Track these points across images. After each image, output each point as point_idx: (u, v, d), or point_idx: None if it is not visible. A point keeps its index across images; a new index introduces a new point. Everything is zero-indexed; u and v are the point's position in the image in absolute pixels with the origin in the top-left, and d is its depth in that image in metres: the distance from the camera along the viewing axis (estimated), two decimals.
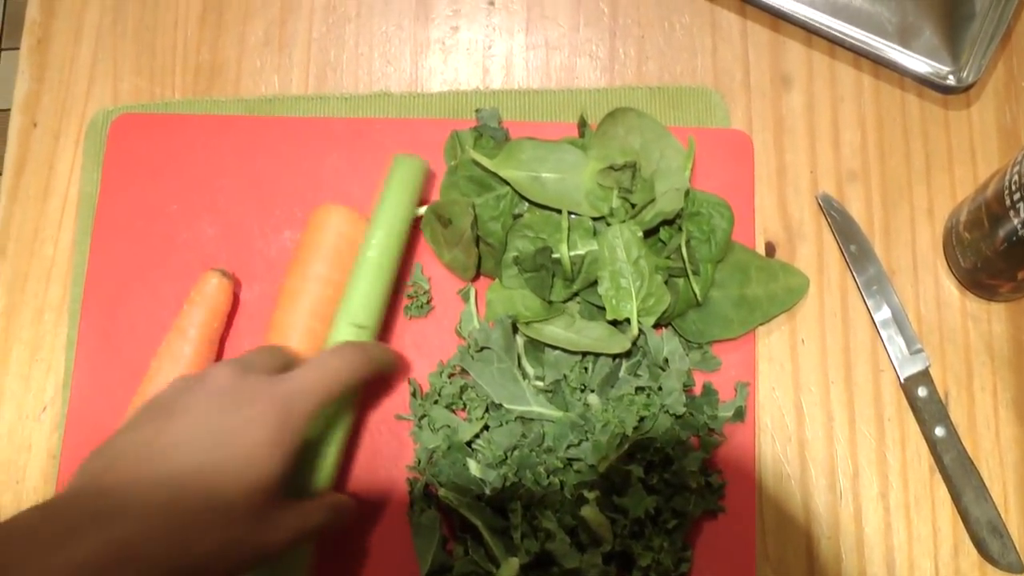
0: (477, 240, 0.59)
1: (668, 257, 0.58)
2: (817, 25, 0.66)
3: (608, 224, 0.58)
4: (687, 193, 0.59)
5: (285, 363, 0.52)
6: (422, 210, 0.60)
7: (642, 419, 0.56)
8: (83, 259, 0.63)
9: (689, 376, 0.58)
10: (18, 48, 0.69)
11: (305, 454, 0.52)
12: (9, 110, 0.67)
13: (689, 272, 0.58)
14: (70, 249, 0.64)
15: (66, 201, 0.65)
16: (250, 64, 0.67)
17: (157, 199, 0.63)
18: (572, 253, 0.58)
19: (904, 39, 0.66)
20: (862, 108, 0.66)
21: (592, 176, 0.58)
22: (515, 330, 0.58)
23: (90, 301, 0.62)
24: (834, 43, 0.66)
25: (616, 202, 0.58)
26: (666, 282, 0.58)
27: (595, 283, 0.58)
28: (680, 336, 0.60)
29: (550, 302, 0.58)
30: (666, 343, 0.58)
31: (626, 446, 0.55)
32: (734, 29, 0.67)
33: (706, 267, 0.59)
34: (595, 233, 0.58)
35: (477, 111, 0.62)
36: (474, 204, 0.58)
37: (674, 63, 0.67)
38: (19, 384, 0.62)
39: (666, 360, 0.57)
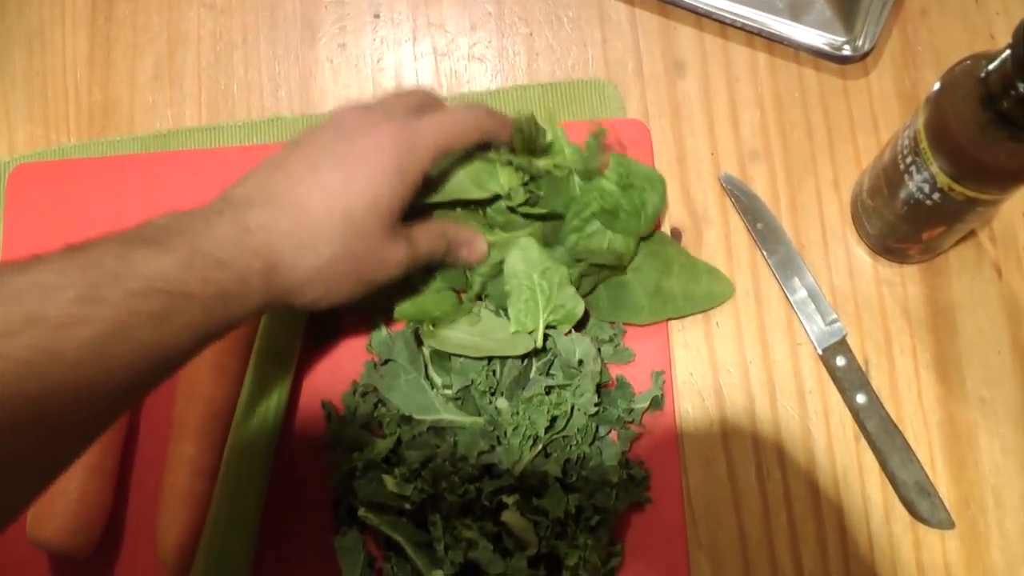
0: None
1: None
2: (706, 8, 0.66)
3: (507, 204, 0.58)
4: (617, 161, 0.59)
5: (415, 105, 0.54)
6: None
7: (554, 419, 0.56)
8: None
9: (604, 374, 0.59)
10: None
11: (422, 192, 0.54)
12: None
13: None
14: None
15: None
16: (142, 101, 0.67)
17: (60, 245, 0.63)
18: None
19: (795, 14, 0.66)
20: (759, 87, 0.66)
21: (472, 161, 0.58)
22: (420, 342, 0.59)
23: None
24: (725, 24, 0.67)
25: (507, 178, 0.58)
26: (581, 278, 0.58)
27: (501, 272, 0.58)
28: (592, 316, 0.60)
29: (462, 291, 0.59)
30: (578, 345, 0.58)
31: (539, 447, 0.56)
32: (623, 19, 0.67)
33: (629, 241, 0.59)
34: (491, 228, 0.59)
35: None
36: None
37: (565, 58, 0.67)
38: None
39: (580, 362, 0.58)
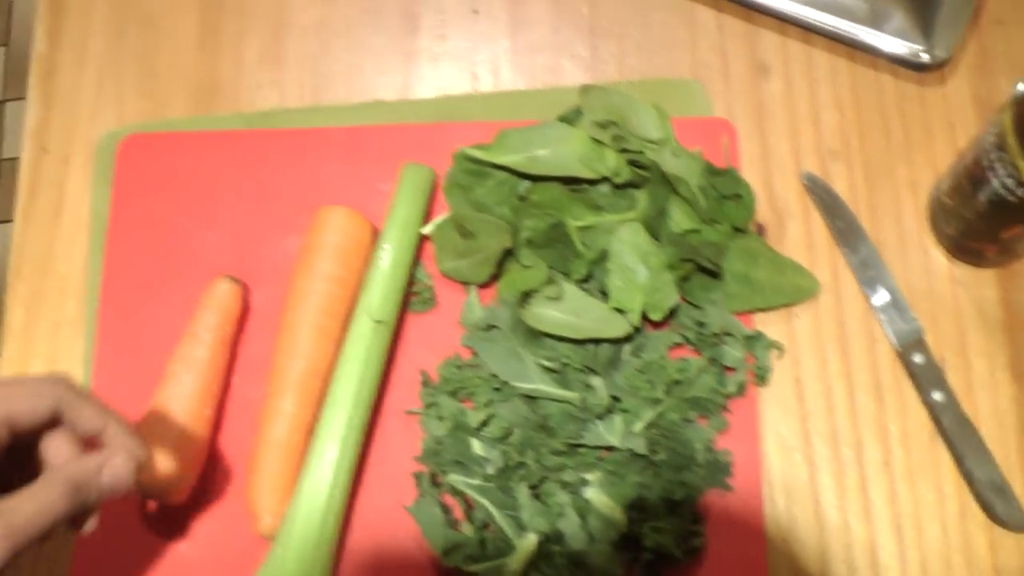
0: (503, 258, 0.62)
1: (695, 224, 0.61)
2: (790, 14, 0.69)
3: (613, 184, 0.61)
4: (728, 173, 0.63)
5: None
6: (431, 225, 0.64)
7: (677, 383, 0.58)
8: (96, 275, 0.66)
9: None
10: (22, 99, 0.74)
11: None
12: (15, 159, 0.72)
13: (707, 219, 0.61)
14: (83, 266, 0.67)
15: (77, 221, 0.68)
16: (248, 81, 0.70)
17: (165, 213, 0.66)
18: (578, 224, 0.61)
19: (875, 22, 0.69)
20: (839, 90, 0.69)
21: (583, 142, 0.61)
22: None
23: (105, 314, 0.65)
24: (807, 29, 0.70)
25: (613, 159, 0.61)
26: (684, 261, 0.61)
27: (605, 257, 0.61)
28: (685, 300, 0.62)
29: (565, 276, 0.61)
30: (716, 317, 0.61)
31: (659, 409, 0.58)
32: (710, 22, 0.71)
33: (727, 227, 0.62)
34: (598, 207, 0.62)
35: None
36: (513, 225, 0.61)
37: (654, 57, 0.70)
38: None
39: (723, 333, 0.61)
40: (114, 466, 0.47)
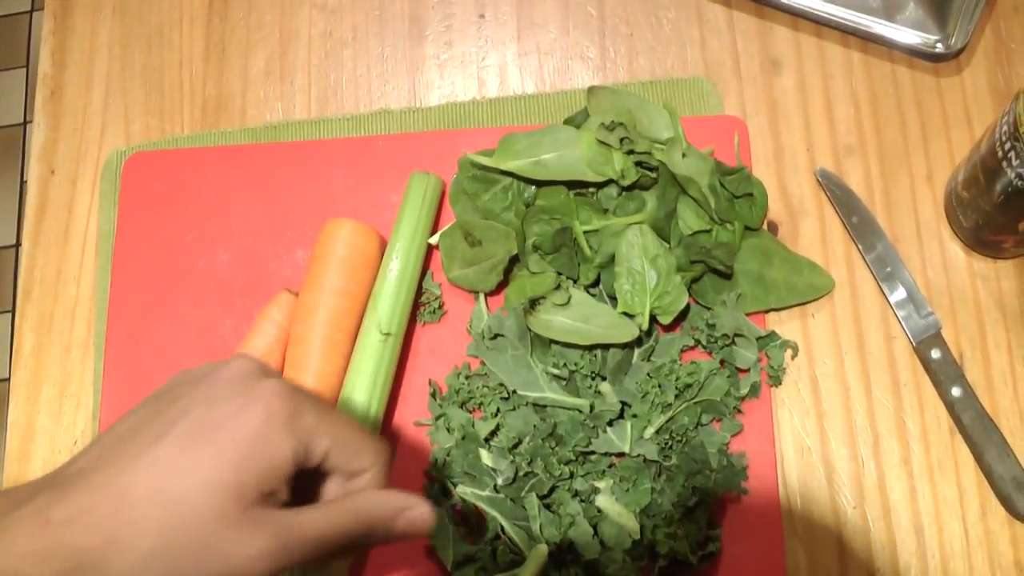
0: (511, 265, 0.66)
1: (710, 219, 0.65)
2: (801, 8, 0.73)
3: (620, 187, 0.65)
4: (741, 171, 0.66)
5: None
6: (438, 235, 0.68)
7: (688, 386, 0.62)
8: (105, 295, 0.71)
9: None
10: None
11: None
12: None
13: (718, 219, 0.65)
14: (92, 287, 0.72)
15: (86, 242, 0.74)
16: (254, 94, 0.75)
17: (172, 231, 0.71)
18: (586, 228, 0.65)
19: (889, 13, 0.72)
20: (853, 84, 0.73)
21: (589, 145, 0.65)
22: None
23: (114, 333, 0.70)
24: (820, 24, 0.73)
25: (620, 161, 0.64)
26: (693, 262, 0.65)
27: (614, 261, 0.64)
28: (696, 302, 0.66)
29: (574, 281, 0.65)
30: (727, 319, 0.64)
31: (670, 414, 0.62)
32: (720, 19, 0.74)
33: (739, 226, 0.65)
34: (605, 210, 0.66)
35: None
36: (519, 231, 0.65)
37: (664, 57, 0.74)
38: (50, 420, 0.70)
39: (735, 334, 0.64)
40: (412, 518, 0.46)
